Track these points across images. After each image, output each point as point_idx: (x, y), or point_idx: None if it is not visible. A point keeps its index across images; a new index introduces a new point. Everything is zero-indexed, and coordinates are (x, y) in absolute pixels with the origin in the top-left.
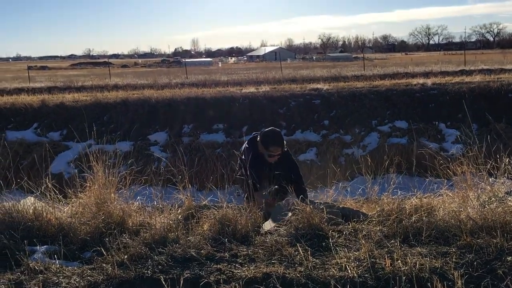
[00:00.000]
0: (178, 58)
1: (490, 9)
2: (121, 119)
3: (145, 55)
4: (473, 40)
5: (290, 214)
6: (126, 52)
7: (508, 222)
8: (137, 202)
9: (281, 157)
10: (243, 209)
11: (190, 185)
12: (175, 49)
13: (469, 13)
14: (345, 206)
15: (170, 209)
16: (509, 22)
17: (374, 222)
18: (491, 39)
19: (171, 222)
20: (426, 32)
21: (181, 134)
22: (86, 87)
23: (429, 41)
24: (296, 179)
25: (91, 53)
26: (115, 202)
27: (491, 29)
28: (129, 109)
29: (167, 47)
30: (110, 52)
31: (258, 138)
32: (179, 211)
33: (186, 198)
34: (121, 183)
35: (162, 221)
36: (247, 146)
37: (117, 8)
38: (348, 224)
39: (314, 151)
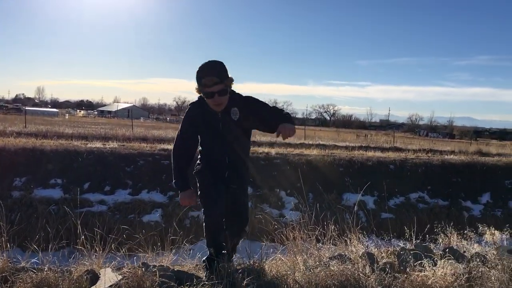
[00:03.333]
0: (18, 105)
1: (328, 92)
2: None
3: None
4: (313, 117)
5: (120, 277)
6: None
7: (329, 285)
8: None
9: (235, 102)
10: (67, 272)
11: (10, 245)
12: (16, 95)
13: (311, 93)
14: (182, 269)
15: None
16: (343, 105)
17: (207, 285)
18: (328, 118)
19: None
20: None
21: (11, 188)
22: None
23: None
24: (266, 111)
25: None
26: None
27: (328, 110)
28: None
29: (6, 92)
30: None
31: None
32: None
33: (1, 259)
34: None
35: None
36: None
37: None
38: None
39: (159, 212)
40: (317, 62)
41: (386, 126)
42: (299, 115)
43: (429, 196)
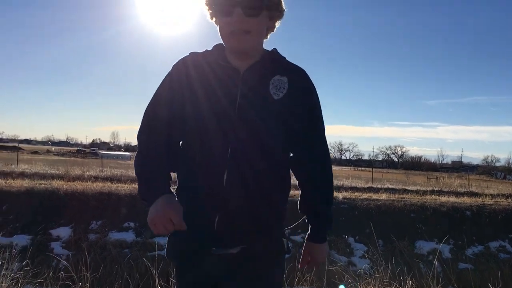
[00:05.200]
0: (95, 149)
1: (394, 133)
2: (23, 210)
3: (60, 143)
4: (380, 159)
5: None
6: (39, 138)
7: None
8: None
9: (284, 68)
10: None
11: None
12: (93, 140)
13: (376, 134)
14: None
15: None
16: (410, 146)
17: None
18: (396, 159)
19: None
20: (338, 148)
21: (88, 231)
22: None
23: (341, 156)
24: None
25: None
26: None
27: (396, 151)
28: (33, 200)
29: (84, 137)
30: (22, 137)
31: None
32: None
33: None
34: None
35: None
36: None
37: (32, 93)
38: None
39: None
40: (381, 103)
41: (459, 168)
42: (365, 157)
43: (511, 246)
